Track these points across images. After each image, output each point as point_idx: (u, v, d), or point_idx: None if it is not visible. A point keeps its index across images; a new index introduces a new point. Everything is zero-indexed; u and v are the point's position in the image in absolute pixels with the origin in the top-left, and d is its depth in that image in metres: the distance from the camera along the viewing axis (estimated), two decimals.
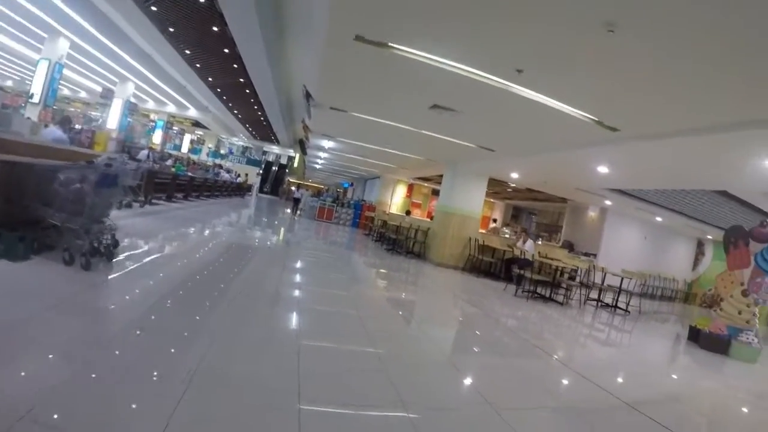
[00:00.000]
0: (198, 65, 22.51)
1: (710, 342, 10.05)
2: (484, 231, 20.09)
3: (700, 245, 23.51)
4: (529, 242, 14.51)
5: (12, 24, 21.58)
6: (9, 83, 36.91)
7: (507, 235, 19.04)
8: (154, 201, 14.72)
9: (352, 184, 45.40)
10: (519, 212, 31.08)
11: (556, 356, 6.76)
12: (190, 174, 20.66)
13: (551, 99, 6.78)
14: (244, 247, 11.26)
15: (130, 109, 28.75)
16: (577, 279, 14.18)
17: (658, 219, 19.33)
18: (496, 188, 21.68)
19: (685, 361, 9.15)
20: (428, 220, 21.68)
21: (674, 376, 7.67)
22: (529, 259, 12.85)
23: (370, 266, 13.52)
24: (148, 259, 7.33)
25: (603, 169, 10.79)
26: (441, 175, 17.90)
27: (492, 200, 29.37)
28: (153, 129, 39.97)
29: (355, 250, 16.74)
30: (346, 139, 16.35)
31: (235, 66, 20.51)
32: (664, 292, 20.65)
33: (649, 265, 19.36)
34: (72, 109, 39.66)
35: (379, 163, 21.97)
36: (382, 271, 12.90)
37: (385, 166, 22.49)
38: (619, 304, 13.26)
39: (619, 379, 6.46)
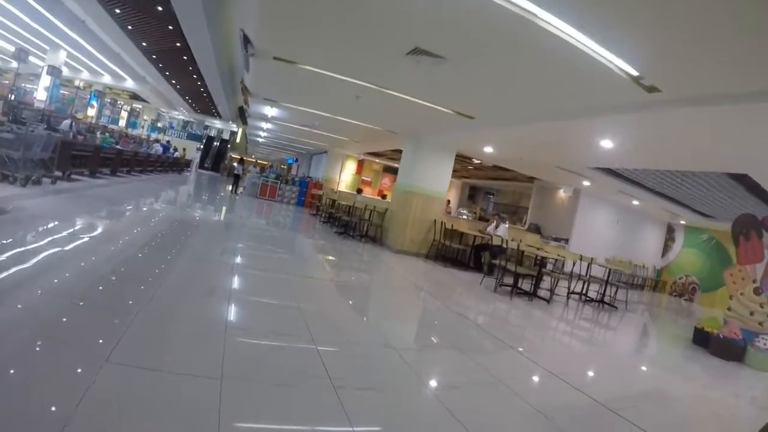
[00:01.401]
0: (130, 27, 20.42)
1: (722, 347, 8.63)
2: None
3: (670, 231, 22.18)
4: (503, 227, 12.97)
5: None
6: None
7: (465, 218, 17.25)
8: (73, 177, 13.14)
9: (296, 160, 43.26)
10: (476, 192, 29.34)
11: (562, 377, 4.95)
12: (118, 147, 18.50)
13: (585, 37, 4.81)
14: (164, 233, 9.10)
15: (51, 73, 25.94)
16: (548, 267, 12.52)
17: (635, 202, 17.84)
18: (455, 165, 19.90)
19: (699, 371, 7.61)
20: (379, 198, 19.82)
21: (701, 394, 6.15)
22: (503, 246, 11.15)
23: (318, 252, 11.73)
24: (22, 262, 4.98)
25: (607, 144, 8.92)
26: (396, 150, 16.15)
27: None
28: (88, 100, 37.81)
29: (301, 233, 14.86)
30: (291, 104, 14.04)
31: (171, 27, 18.64)
32: (635, 280, 19.26)
33: (620, 250, 18.03)
34: (5, 82, 37.32)
35: (328, 135, 19.55)
36: (331, 258, 11.10)
37: (335, 138, 20.15)
38: (603, 298, 11.71)
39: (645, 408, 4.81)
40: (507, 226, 14.04)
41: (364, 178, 28.14)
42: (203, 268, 7.03)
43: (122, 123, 45.56)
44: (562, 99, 7.27)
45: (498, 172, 19.55)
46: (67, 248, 5.96)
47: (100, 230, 7.86)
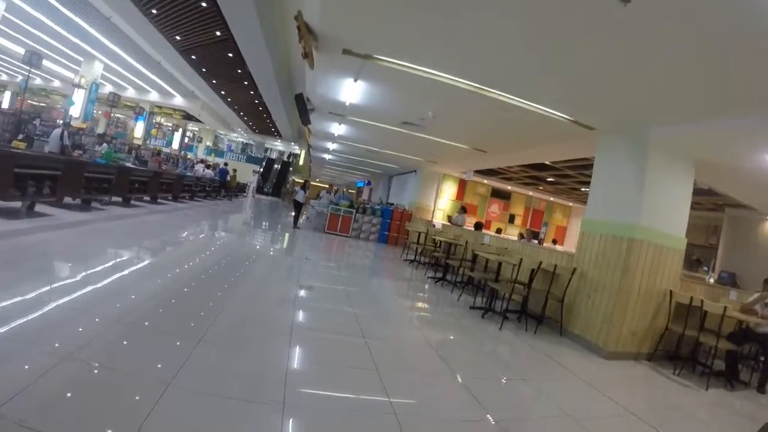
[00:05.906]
0: (154, 11, 15.64)
1: None
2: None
3: None
4: None
5: None
6: None
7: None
8: (38, 211, 8.33)
9: (368, 183, 36.91)
10: None
11: None
12: (125, 164, 12.63)
13: None
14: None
15: (29, 61, 20.08)
16: None
17: None
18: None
19: None
20: (556, 247, 12.87)
21: None
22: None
23: (457, 366, 5.16)
24: None
25: None
26: (529, 166, 10.93)
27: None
28: (135, 119, 35.50)
29: (415, 315, 8.10)
30: (402, 59, 6.74)
31: (204, 4, 14.09)
32: None
33: None
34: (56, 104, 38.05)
35: (436, 141, 12.37)
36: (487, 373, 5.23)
37: (448, 146, 12.80)
38: None
39: None
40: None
41: (465, 204, 21.18)
42: None
43: (175, 145, 43.03)
44: None
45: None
46: None
47: None
